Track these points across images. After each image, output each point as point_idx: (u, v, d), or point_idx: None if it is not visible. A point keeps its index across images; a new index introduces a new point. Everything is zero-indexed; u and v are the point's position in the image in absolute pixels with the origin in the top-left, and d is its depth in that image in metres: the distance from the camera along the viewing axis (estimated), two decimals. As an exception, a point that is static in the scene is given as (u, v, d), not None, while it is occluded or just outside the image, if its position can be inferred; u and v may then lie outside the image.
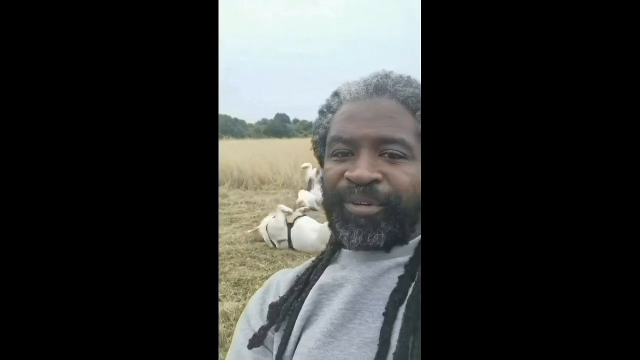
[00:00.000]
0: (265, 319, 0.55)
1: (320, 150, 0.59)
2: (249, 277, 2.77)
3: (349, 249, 0.55)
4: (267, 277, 2.73)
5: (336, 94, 0.57)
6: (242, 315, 0.60)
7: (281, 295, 0.58)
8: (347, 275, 0.53)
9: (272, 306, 0.56)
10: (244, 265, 3.04)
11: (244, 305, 2.35)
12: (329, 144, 0.55)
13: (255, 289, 2.67)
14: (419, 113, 0.52)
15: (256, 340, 0.53)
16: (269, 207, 5.07)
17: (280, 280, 0.61)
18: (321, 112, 0.58)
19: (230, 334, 2.05)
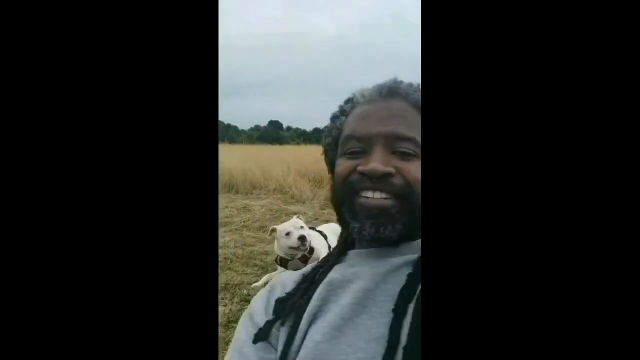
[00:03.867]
0: (271, 314, 0.55)
1: (332, 153, 0.60)
2: (236, 282, 2.70)
3: (360, 241, 0.55)
4: (255, 282, 2.65)
5: (349, 100, 0.59)
6: (244, 315, 0.59)
7: (287, 292, 0.57)
8: (357, 271, 0.53)
9: (279, 301, 0.55)
10: (231, 269, 2.97)
11: (230, 310, 2.28)
12: (342, 143, 0.56)
13: (242, 294, 2.61)
14: None
15: (261, 335, 0.53)
16: (259, 212, 5.01)
17: (286, 280, 0.61)
18: (334, 117, 0.60)
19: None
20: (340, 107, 0.60)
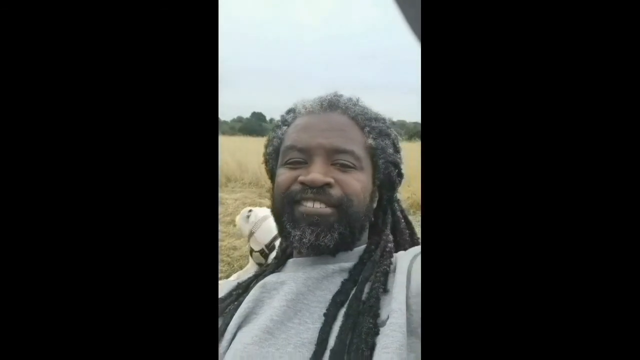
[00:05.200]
0: None
1: (272, 163, 0.61)
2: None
3: (300, 249, 0.56)
4: (222, 278, 2.61)
5: (291, 110, 0.61)
6: None
7: (219, 297, 0.59)
8: (291, 275, 0.55)
9: None
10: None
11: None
12: (282, 152, 0.57)
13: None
14: (367, 129, 0.57)
15: None
16: (232, 205, 4.92)
17: (222, 286, 0.63)
18: (276, 127, 0.61)
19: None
20: (282, 116, 0.61)
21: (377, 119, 0.59)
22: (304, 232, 0.51)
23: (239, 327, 0.52)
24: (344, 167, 0.54)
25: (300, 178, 0.52)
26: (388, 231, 0.60)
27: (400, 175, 0.61)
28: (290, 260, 0.59)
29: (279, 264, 0.61)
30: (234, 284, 0.62)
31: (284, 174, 0.55)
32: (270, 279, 0.56)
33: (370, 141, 0.56)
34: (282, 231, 0.56)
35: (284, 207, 0.54)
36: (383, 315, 0.47)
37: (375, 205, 0.59)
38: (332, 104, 0.58)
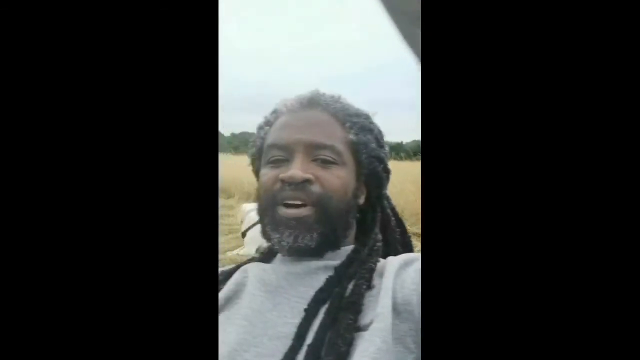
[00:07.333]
0: None
1: (258, 163, 0.62)
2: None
3: (280, 252, 0.56)
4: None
5: (274, 111, 0.62)
6: None
7: None
8: (273, 267, 0.56)
9: None
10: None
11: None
12: (265, 152, 0.58)
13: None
14: (348, 124, 0.57)
15: None
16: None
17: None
18: (259, 128, 0.62)
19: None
20: (265, 117, 0.62)
21: (359, 114, 0.59)
22: (282, 234, 0.52)
23: (220, 310, 0.52)
24: (325, 163, 0.53)
25: (280, 175, 0.52)
26: (377, 229, 0.59)
27: (386, 170, 0.60)
28: (279, 255, 0.58)
29: (265, 258, 0.60)
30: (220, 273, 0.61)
31: (266, 174, 0.55)
32: (252, 265, 0.56)
33: (351, 136, 0.56)
34: (264, 233, 0.56)
35: (266, 208, 0.54)
36: (367, 318, 0.46)
37: (361, 202, 0.58)
38: (312, 102, 0.58)
